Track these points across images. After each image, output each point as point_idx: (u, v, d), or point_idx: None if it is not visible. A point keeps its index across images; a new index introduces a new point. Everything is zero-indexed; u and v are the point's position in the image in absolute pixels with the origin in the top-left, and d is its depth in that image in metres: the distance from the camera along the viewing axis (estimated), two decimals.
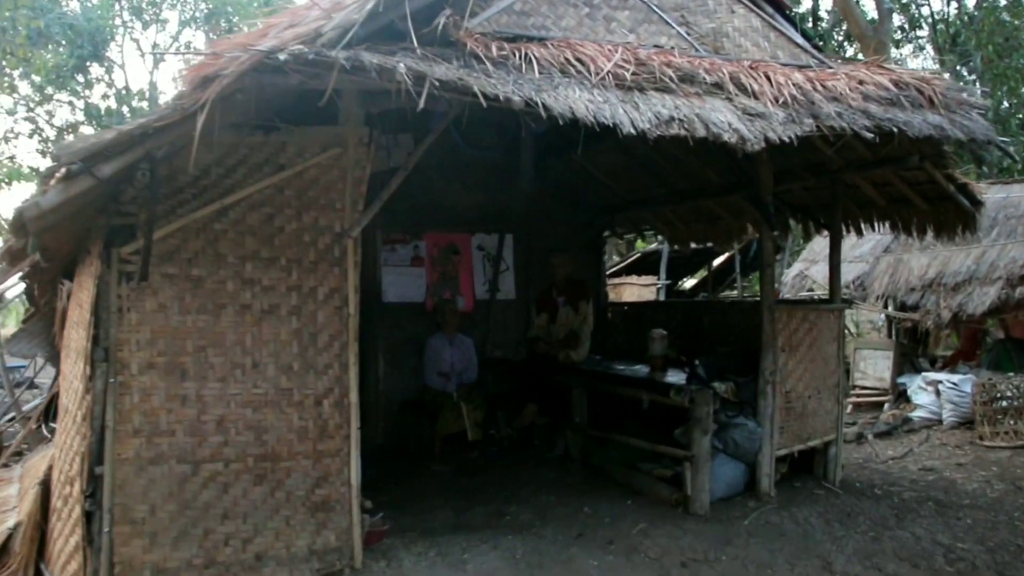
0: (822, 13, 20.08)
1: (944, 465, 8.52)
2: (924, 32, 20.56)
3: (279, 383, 5.03)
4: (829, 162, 6.89)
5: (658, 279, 15.53)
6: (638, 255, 16.94)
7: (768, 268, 6.67)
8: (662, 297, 15.18)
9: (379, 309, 8.70)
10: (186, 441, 4.84)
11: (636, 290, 15.52)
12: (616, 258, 18.81)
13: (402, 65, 3.84)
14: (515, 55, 4.38)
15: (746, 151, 4.60)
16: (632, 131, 4.29)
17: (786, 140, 4.76)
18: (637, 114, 4.35)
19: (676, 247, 11.44)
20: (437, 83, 3.88)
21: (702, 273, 17.94)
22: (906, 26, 20.68)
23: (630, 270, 16.57)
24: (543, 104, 4.10)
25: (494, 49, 4.36)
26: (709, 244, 10.41)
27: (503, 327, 9.40)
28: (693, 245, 10.38)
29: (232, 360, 4.93)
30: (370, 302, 8.64)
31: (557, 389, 8.06)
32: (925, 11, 20.42)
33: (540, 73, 4.36)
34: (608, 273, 16.74)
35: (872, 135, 5.06)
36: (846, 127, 4.99)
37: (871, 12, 17.21)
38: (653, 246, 16.54)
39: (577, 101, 4.25)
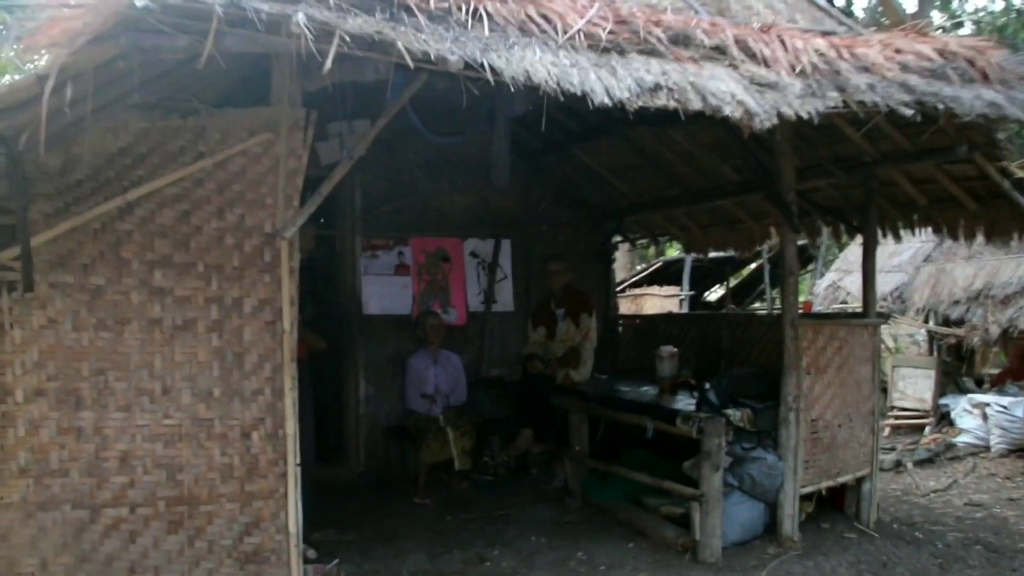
0: (857, 10, 19.03)
1: (994, 500, 7.55)
2: (966, 31, 19.43)
3: (196, 412, 4.21)
4: (861, 154, 5.97)
5: (681, 290, 14.62)
6: (660, 264, 16.02)
7: (791, 276, 5.73)
8: (685, 309, 14.25)
9: (360, 323, 7.90)
10: (83, 482, 4.05)
11: (658, 301, 14.60)
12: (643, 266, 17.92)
13: (301, 15, 3.00)
14: (460, 9, 3.51)
15: (754, 129, 3.70)
16: (606, 101, 3.42)
17: (804, 116, 3.86)
18: (614, 81, 3.47)
19: (694, 254, 10.56)
20: (348, 38, 3.04)
21: (739, 279, 17.01)
22: (947, 25, 19.55)
23: (652, 280, 15.65)
24: (490, 66, 3.23)
25: (431, 1, 3.48)
26: (730, 252, 9.46)
27: (500, 343, 8.54)
28: (712, 253, 9.48)
29: (138, 385, 4.13)
30: (350, 315, 7.91)
31: (555, 413, 7.19)
32: (969, 7, 19.31)
33: (492, 31, 3.50)
34: (629, 283, 15.93)
35: (912, 112, 4.13)
36: (879, 102, 4.07)
37: (909, 8, 16.20)
38: (676, 255, 15.60)
39: (536, 64, 3.37)
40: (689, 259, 14.16)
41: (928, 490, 7.87)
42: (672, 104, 3.55)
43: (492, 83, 3.25)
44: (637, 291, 15.55)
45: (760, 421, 5.69)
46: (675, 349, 6.75)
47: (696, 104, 3.61)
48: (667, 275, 15.58)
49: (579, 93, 3.40)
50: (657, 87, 3.53)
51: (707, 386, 5.68)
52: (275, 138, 4.34)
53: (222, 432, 4.25)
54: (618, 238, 9.74)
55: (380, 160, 8.02)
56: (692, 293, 14.78)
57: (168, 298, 4.20)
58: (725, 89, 3.69)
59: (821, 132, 6.02)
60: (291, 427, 4.36)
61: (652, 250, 17.99)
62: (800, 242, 12.86)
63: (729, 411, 5.58)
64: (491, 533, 6.13)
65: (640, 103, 3.48)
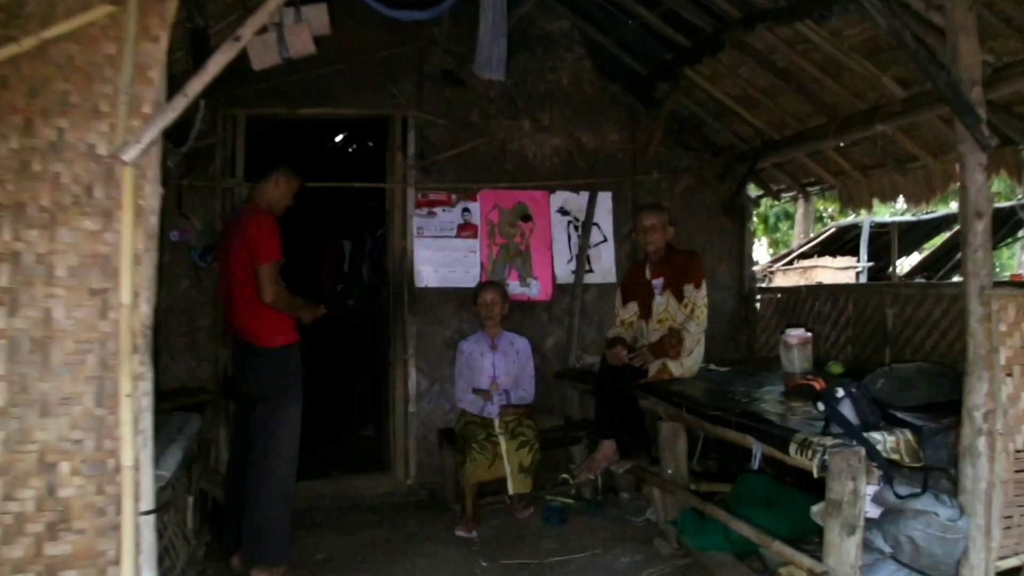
0: None
1: None
2: None
3: None
4: None
5: (857, 261, 12.19)
6: (833, 230, 13.54)
7: (977, 220, 3.57)
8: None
9: (411, 298, 6.31)
10: None
11: (831, 275, 12.24)
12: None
13: None
14: None
15: None
16: None
17: None
18: None
19: (871, 218, 8.28)
20: None
21: (924, 251, 14.29)
22: None
23: (824, 250, 13.25)
24: None
25: None
26: (905, 208, 7.16)
27: (597, 323, 6.73)
28: (881, 214, 7.26)
29: None
30: (399, 288, 6.37)
31: (645, 420, 5.30)
32: None
33: None
34: (797, 254, 13.69)
35: None
36: None
37: None
38: (851, 218, 13.12)
39: None
40: (867, 222, 11.72)
41: None
42: None
43: None
44: (807, 263, 13.23)
45: (929, 451, 3.60)
46: (808, 333, 4.70)
47: None
48: (843, 244, 13.15)
49: None
50: None
51: (839, 393, 3.64)
52: (121, 12, 2.87)
53: (6, 463, 2.72)
54: (758, 192, 7.65)
55: (441, 93, 6.43)
56: (871, 264, 12.30)
57: None
58: None
59: None
60: (129, 455, 2.78)
61: (852, 211, 15.30)
62: (1006, 203, 10.18)
63: (875, 435, 3.55)
64: None
65: None
